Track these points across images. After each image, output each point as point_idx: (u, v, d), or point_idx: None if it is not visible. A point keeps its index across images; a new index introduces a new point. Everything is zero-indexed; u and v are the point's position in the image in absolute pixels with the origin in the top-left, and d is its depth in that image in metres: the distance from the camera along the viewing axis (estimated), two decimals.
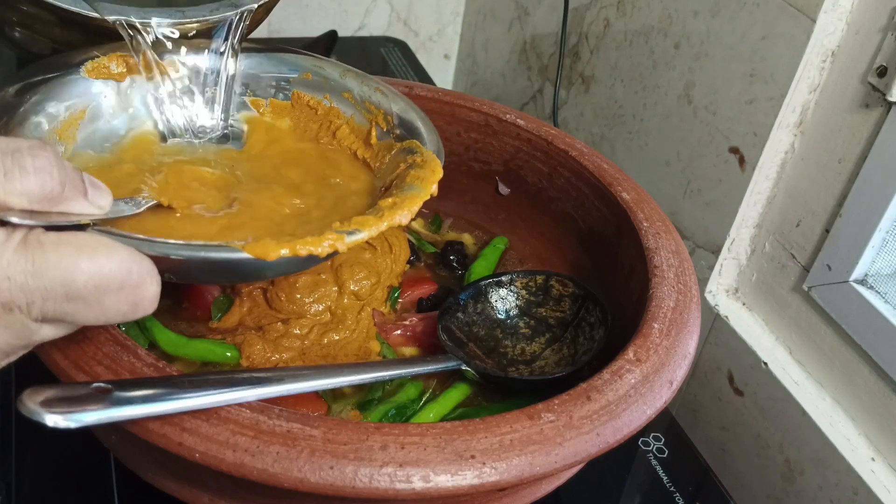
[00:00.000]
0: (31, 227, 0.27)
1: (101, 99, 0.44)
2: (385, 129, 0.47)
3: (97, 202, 0.30)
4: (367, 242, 0.53)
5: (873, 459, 0.55)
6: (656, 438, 0.57)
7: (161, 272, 0.31)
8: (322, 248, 0.34)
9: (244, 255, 0.33)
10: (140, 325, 0.48)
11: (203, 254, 0.33)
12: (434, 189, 0.40)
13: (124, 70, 0.45)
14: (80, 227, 0.29)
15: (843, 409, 0.57)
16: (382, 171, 0.45)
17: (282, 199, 0.42)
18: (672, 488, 0.53)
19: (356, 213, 0.38)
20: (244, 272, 0.38)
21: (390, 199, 0.39)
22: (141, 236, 0.32)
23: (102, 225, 0.31)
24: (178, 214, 0.39)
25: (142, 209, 0.36)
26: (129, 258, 0.29)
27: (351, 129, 0.48)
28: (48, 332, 0.29)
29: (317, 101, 0.49)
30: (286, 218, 0.41)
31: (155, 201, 0.37)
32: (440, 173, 0.41)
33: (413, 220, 0.62)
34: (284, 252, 0.34)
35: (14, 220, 0.27)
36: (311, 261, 0.35)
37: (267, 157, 0.47)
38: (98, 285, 0.28)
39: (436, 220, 0.63)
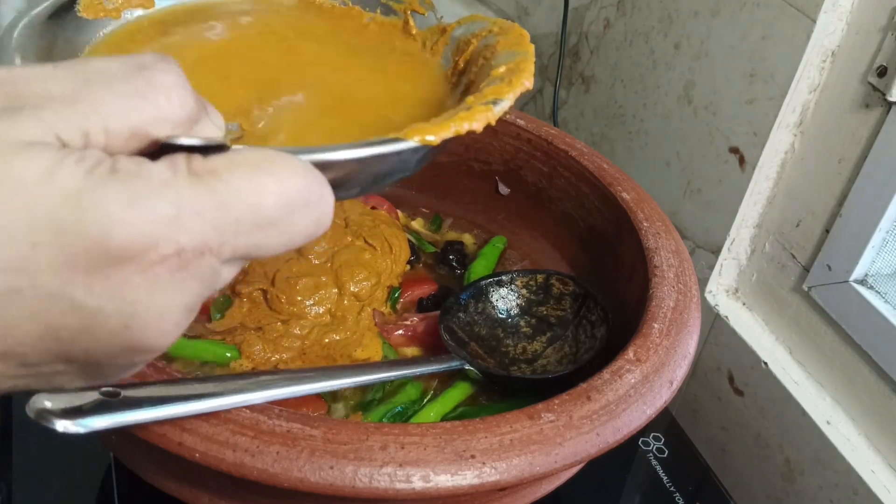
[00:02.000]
0: (189, 154, 0.23)
1: (103, 34, 0.40)
2: (425, 15, 0.41)
3: (216, 121, 0.26)
4: (367, 242, 0.53)
5: (873, 460, 0.55)
6: (656, 438, 0.57)
7: None
8: (478, 122, 0.31)
9: (411, 143, 0.29)
10: None
11: (370, 151, 0.28)
12: (533, 49, 0.36)
13: (119, 3, 0.41)
14: (222, 148, 0.24)
15: (843, 409, 0.57)
16: (442, 60, 0.40)
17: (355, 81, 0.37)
18: (672, 488, 0.53)
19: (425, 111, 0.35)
20: (397, 168, 0.33)
21: (503, 68, 0.35)
22: (291, 147, 0.27)
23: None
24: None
25: (239, 133, 0.32)
26: (304, 169, 0.24)
27: (380, 25, 0.42)
28: (228, 274, 0.25)
29: (330, 3, 0.43)
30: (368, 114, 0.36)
31: (237, 123, 0.33)
32: (528, 34, 0.37)
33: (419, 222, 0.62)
34: (452, 132, 0.30)
35: (185, 141, 0.23)
36: (439, 148, 0.32)
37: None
38: (288, 204, 0.24)
39: (436, 220, 0.63)
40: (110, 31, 0.40)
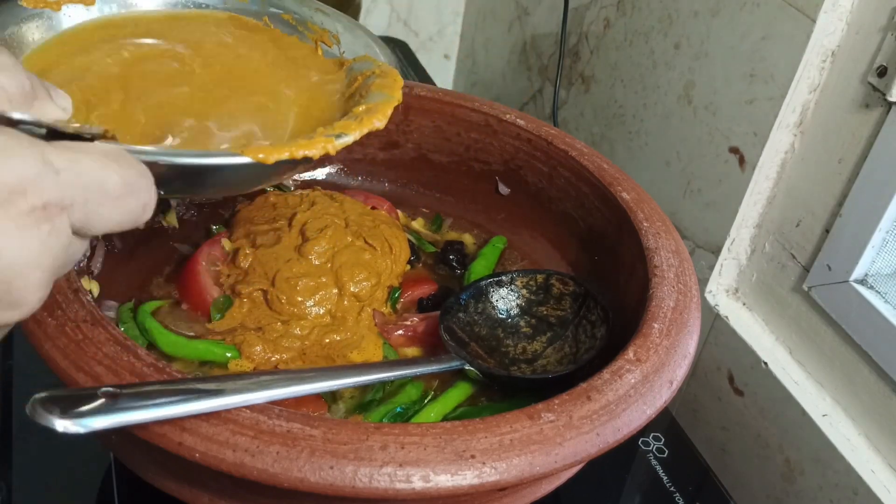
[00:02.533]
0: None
1: (36, 25, 0.42)
2: (331, 48, 0.46)
3: (61, 104, 0.29)
4: (367, 243, 0.53)
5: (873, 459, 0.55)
6: (656, 438, 0.57)
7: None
8: (316, 150, 0.35)
9: (245, 159, 0.33)
10: (140, 326, 0.48)
11: (205, 160, 0.32)
12: (400, 95, 0.41)
13: None
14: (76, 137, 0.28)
15: (843, 409, 0.57)
16: (339, 90, 0.45)
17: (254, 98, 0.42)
18: (672, 488, 0.53)
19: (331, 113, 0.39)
20: (233, 180, 0.37)
21: (363, 107, 0.39)
22: (137, 147, 0.31)
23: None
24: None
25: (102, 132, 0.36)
26: (137, 163, 0.28)
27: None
28: (75, 248, 0.27)
29: (255, 24, 0.48)
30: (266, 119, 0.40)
31: (103, 128, 0.37)
32: (402, 81, 0.42)
33: (415, 220, 0.62)
34: (285, 155, 0.34)
35: (17, 115, 0.26)
36: (296, 166, 0.36)
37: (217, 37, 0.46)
38: (125, 186, 0.27)
39: (436, 220, 0.63)
40: (48, 40, 0.43)
